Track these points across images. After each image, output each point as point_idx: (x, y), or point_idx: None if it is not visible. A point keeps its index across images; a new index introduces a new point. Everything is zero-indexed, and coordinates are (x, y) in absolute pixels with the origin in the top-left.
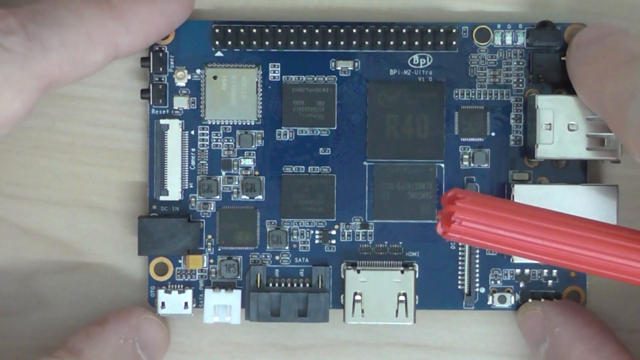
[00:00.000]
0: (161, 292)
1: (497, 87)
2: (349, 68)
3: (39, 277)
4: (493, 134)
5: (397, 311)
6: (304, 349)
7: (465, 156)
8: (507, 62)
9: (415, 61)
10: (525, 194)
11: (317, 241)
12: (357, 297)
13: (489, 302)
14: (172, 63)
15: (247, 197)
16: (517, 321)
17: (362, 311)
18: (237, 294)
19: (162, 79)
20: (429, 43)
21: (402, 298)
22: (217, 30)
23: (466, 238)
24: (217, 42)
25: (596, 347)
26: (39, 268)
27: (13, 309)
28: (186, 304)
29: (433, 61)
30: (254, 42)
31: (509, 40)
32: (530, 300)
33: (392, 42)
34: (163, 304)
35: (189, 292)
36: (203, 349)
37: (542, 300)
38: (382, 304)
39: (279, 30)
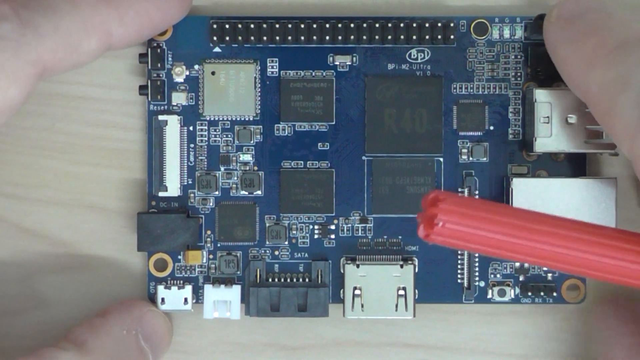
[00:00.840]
0: (161, 288)
1: (496, 81)
2: (347, 63)
3: (39, 277)
4: (491, 127)
5: (396, 305)
6: (304, 349)
7: (464, 150)
8: (505, 55)
9: (414, 55)
10: (524, 187)
11: (316, 236)
12: (357, 292)
13: (489, 296)
14: (170, 59)
15: (246, 193)
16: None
17: (362, 306)
18: (236, 290)
19: (160, 75)
20: (427, 37)
21: (401, 292)
22: (215, 26)
23: (450, 241)
24: (215, 38)
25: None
26: (39, 268)
27: (13, 308)
28: (186, 299)
29: (431, 55)
30: (252, 38)
31: (507, 34)
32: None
33: (390, 37)
34: (163, 299)
35: (188, 288)
36: (203, 348)
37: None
38: (382, 298)
39: (277, 26)
